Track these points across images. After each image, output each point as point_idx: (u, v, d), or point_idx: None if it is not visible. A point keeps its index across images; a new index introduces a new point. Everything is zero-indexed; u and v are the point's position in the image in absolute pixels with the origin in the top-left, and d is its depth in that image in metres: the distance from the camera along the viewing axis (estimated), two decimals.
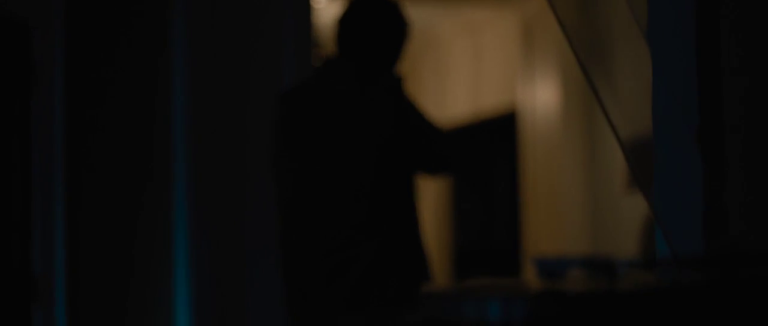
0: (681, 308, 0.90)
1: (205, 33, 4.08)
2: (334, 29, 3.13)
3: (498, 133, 8.22)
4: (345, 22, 3.11)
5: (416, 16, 7.94)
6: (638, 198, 5.30)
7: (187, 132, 4.05)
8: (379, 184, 2.90)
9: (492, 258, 8.70)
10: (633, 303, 0.88)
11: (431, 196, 8.80)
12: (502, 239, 8.57)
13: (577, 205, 6.30)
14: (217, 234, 4.03)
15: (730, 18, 1.43)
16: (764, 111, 1.39)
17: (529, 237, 6.77)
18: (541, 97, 6.52)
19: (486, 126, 8.27)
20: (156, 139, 4.13)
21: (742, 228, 1.38)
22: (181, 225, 4.02)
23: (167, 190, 4.06)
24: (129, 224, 4.12)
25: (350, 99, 3.00)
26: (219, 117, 4.08)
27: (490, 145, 8.58)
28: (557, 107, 6.36)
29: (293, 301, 2.93)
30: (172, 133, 4.08)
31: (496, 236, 8.69)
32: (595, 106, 6.25)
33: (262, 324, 4.00)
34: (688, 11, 1.41)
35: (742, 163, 1.43)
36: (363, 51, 3.06)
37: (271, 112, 3.19)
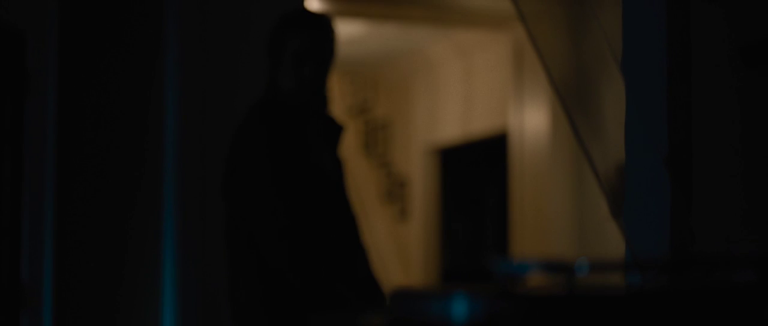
0: (637, 312, 0.94)
1: (197, 45, 4.12)
2: None
3: (488, 154, 8.26)
4: None
5: (408, 37, 8.01)
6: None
7: (177, 142, 4.08)
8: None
9: (480, 279, 8.72)
10: (590, 305, 0.92)
11: (419, 216, 8.83)
12: (491, 260, 8.58)
13: (565, 227, 6.34)
14: (205, 245, 4.06)
15: (700, 54, 1.48)
16: (729, 142, 1.44)
17: (517, 252, 6.79)
18: (532, 119, 6.57)
19: (476, 147, 8.31)
20: (147, 148, 4.16)
21: (705, 247, 1.43)
22: (169, 234, 4.04)
23: (157, 200, 4.09)
24: (118, 232, 4.15)
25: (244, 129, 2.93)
26: (209, 127, 4.12)
27: (481, 166, 8.62)
28: (547, 129, 6.40)
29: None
30: (163, 142, 4.11)
31: (485, 257, 8.72)
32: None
33: None
34: (660, 47, 1.45)
35: (707, 188, 1.48)
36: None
37: None
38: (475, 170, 8.77)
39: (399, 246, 9.09)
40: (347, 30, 7.67)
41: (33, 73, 4.03)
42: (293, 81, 2.90)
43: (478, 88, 8.05)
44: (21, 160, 3.99)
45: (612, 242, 5.90)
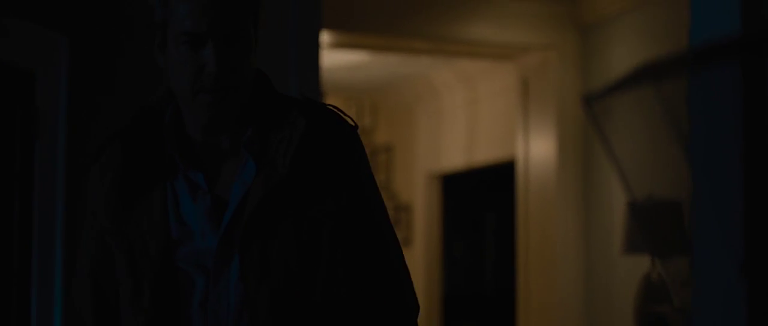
0: None
1: None
2: None
3: (493, 182, 8.24)
4: None
5: (411, 64, 7.99)
6: (636, 259, 5.31)
7: None
8: None
9: (483, 305, 8.70)
10: None
11: (422, 243, 8.80)
12: (495, 287, 8.57)
13: (572, 258, 6.31)
14: None
15: None
16: None
17: (523, 286, 6.78)
18: (538, 149, 6.55)
19: (479, 174, 8.28)
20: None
21: None
22: None
23: None
24: None
25: None
26: None
27: (484, 194, 8.59)
28: (553, 160, 6.38)
29: None
30: None
31: (489, 284, 8.69)
32: (590, 160, 6.28)
33: None
34: (736, 135, 1.38)
35: None
36: None
37: None
38: (478, 198, 8.74)
39: None
40: (349, 57, 7.65)
41: (42, 113, 3.99)
42: (186, 77, 1.80)
43: (483, 115, 8.03)
44: (31, 200, 3.95)
45: (621, 276, 5.88)
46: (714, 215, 1.41)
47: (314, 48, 4.27)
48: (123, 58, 4.17)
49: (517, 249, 6.83)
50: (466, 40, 6.32)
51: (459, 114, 8.38)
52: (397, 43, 6.53)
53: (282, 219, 1.78)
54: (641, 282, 4.97)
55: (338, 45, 6.46)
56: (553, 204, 6.36)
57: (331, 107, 1.87)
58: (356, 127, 1.89)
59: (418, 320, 1.98)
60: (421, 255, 8.79)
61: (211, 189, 1.83)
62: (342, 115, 1.88)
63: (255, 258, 1.77)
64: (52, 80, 4.03)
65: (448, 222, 8.88)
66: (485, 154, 7.95)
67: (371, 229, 1.88)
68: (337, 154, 1.83)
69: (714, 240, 1.39)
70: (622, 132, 4.92)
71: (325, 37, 6.09)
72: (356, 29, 6.28)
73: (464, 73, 8.12)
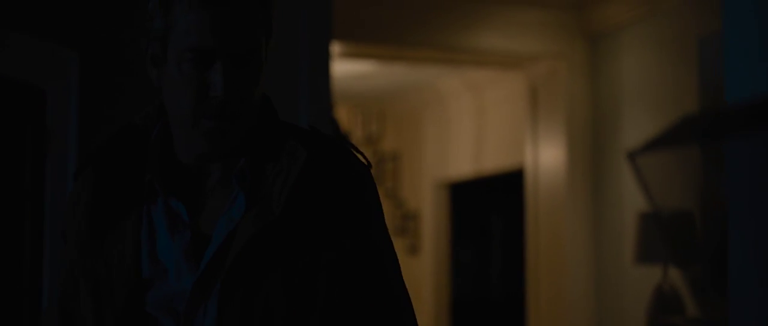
0: None
1: None
2: None
3: (501, 190, 8.23)
4: None
5: (418, 72, 7.98)
6: (647, 269, 5.29)
7: None
8: None
9: (490, 311, 8.70)
10: None
11: (430, 251, 8.79)
12: (502, 293, 8.57)
13: (581, 264, 6.30)
14: None
15: None
16: None
17: (533, 293, 6.77)
18: (547, 157, 6.54)
19: (487, 182, 8.28)
20: None
21: None
22: None
23: None
24: None
25: None
26: None
27: (492, 202, 8.59)
28: (562, 167, 6.37)
29: None
30: None
31: (496, 290, 8.69)
32: (600, 168, 6.27)
33: None
34: None
35: None
36: None
37: None
38: (486, 205, 8.73)
39: (410, 279, 9.05)
40: (357, 67, 7.65)
41: (53, 131, 3.99)
42: (187, 100, 1.57)
43: (491, 123, 8.02)
44: (42, 219, 3.95)
45: (631, 283, 5.86)
46: (748, 242, 1.40)
47: (325, 58, 4.27)
48: (133, 75, 4.17)
49: (527, 256, 6.82)
50: (474, 49, 6.32)
51: (466, 122, 8.37)
52: (405, 52, 6.53)
53: (271, 265, 1.54)
54: (653, 293, 4.96)
55: (347, 55, 6.46)
56: (563, 211, 6.35)
57: (340, 141, 1.65)
58: (370, 165, 1.65)
59: None
60: (429, 263, 8.78)
61: (193, 222, 1.61)
62: (353, 150, 1.64)
63: (236, 309, 1.53)
64: (62, 97, 4.03)
65: (456, 230, 8.88)
66: (493, 161, 7.94)
67: (379, 285, 1.60)
68: (343, 194, 1.58)
69: (749, 264, 1.38)
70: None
71: (334, 47, 6.09)
72: (365, 39, 6.28)
73: (472, 82, 8.12)
